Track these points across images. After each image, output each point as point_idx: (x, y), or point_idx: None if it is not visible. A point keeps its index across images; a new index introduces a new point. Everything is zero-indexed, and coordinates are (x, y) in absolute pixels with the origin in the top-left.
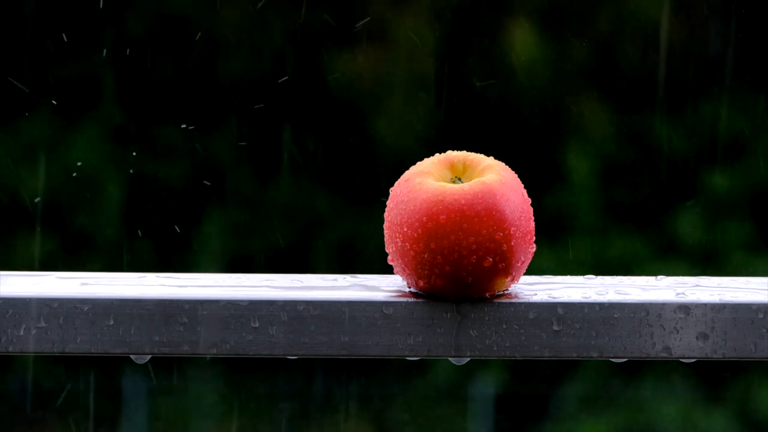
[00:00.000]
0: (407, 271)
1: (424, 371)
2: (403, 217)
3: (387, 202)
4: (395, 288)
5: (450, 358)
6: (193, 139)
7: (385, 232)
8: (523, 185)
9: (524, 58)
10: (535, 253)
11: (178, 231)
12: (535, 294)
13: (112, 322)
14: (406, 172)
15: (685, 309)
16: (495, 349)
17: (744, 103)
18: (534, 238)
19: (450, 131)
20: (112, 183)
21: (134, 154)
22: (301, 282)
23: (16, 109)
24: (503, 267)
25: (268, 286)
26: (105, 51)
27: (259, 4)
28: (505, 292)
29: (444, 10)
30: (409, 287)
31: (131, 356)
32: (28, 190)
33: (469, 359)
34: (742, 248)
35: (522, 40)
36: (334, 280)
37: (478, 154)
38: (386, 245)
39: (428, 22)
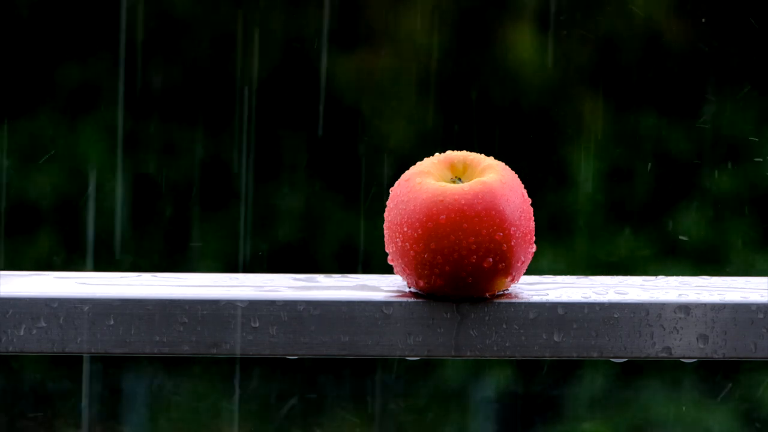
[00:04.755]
0: (407, 271)
1: (425, 371)
2: (403, 217)
3: (387, 202)
4: (395, 288)
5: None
6: (195, 140)
7: (385, 232)
8: (523, 185)
9: (525, 57)
10: (535, 253)
11: (179, 231)
12: (535, 294)
13: (112, 322)
14: (407, 172)
15: (685, 309)
16: (495, 349)
17: (746, 103)
18: (534, 238)
19: (450, 131)
20: (113, 183)
21: (136, 154)
22: (301, 282)
23: (17, 110)
24: (503, 267)
25: (268, 286)
26: (107, 51)
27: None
28: (505, 292)
29: (444, 10)
30: (409, 287)
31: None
32: (29, 190)
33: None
34: (743, 248)
35: (523, 40)
36: (334, 279)
37: (478, 154)
38: (386, 245)
39: (429, 22)
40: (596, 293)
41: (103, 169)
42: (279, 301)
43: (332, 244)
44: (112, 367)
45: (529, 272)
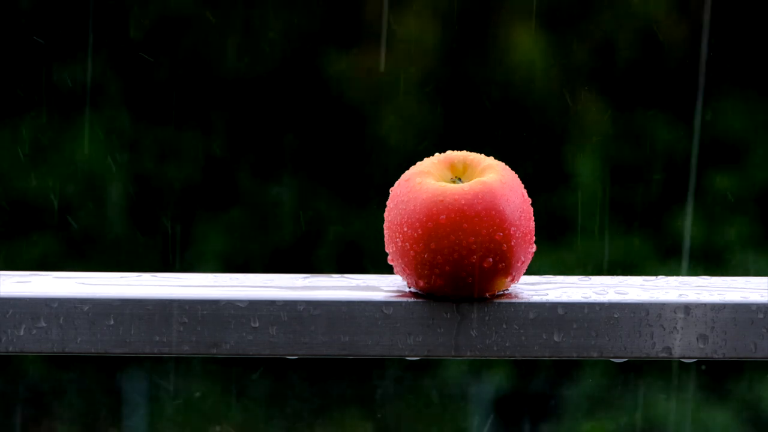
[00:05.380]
0: (407, 271)
1: (425, 371)
2: (403, 217)
3: (387, 202)
4: (395, 288)
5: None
6: (195, 139)
7: (385, 232)
8: (523, 185)
9: (525, 57)
10: (535, 253)
11: (179, 231)
12: (535, 294)
13: (112, 322)
14: (407, 172)
15: (685, 309)
16: (495, 349)
17: (746, 103)
18: (534, 238)
19: (450, 131)
20: (113, 183)
21: (136, 154)
22: (302, 282)
23: (17, 110)
24: (503, 267)
25: (268, 286)
26: (107, 51)
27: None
28: (505, 292)
29: (445, 10)
30: (409, 287)
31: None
32: (29, 190)
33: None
34: (743, 248)
35: (523, 40)
36: (334, 279)
37: (478, 154)
38: (386, 245)
39: (429, 22)
40: (596, 293)
41: (103, 168)
42: (279, 301)
43: (332, 244)
44: (112, 367)
45: (529, 272)
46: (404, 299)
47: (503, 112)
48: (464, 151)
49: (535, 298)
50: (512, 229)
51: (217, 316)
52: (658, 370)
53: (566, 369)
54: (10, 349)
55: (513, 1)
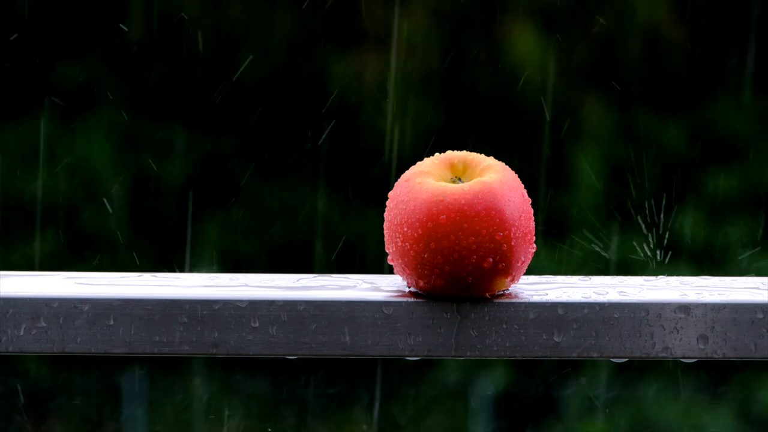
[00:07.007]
0: (407, 271)
1: (424, 371)
2: (403, 217)
3: (387, 203)
4: (395, 288)
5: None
6: (194, 139)
7: (385, 232)
8: (523, 185)
9: (525, 57)
10: (535, 253)
11: (179, 231)
12: (535, 294)
13: (112, 322)
14: (407, 172)
15: (685, 309)
16: (495, 349)
17: (746, 103)
18: (534, 238)
19: (451, 131)
20: (113, 183)
21: (135, 153)
22: (302, 282)
23: (17, 109)
24: (503, 267)
25: (268, 286)
26: (106, 50)
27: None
28: (505, 292)
29: (445, 10)
30: (409, 287)
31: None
32: (29, 190)
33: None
34: (743, 248)
35: (523, 40)
36: (334, 279)
37: (478, 154)
38: (386, 245)
39: (429, 22)
40: (596, 293)
41: (103, 168)
42: (279, 301)
43: (332, 244)
44: (112, 367)
45: (529, 272)
46: (404, 299)
47: (503, 112)
48: (464, 151)
49: (535, 298)
50: (512, 229)
51: (217, 316)
52: (657, 371)
53: (566, 369)
54: (10, 349)
55: (514, 0)
